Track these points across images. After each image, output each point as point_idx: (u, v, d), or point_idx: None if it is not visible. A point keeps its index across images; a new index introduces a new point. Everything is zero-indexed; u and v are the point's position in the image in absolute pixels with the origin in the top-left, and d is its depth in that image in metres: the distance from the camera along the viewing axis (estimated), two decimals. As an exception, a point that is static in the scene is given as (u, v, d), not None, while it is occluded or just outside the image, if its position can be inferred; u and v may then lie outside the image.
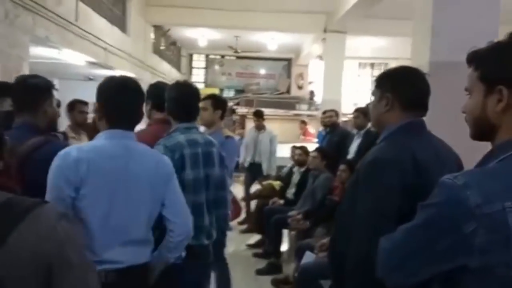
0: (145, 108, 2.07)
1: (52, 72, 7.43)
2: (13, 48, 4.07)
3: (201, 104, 2.54)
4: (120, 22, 8.22)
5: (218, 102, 3.13)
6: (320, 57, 11.28)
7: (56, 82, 6.75)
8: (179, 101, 2.07)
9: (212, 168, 2.14)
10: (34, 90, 1.81)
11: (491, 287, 0.89)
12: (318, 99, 13.04)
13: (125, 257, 1.53)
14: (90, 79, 8.24)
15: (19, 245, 0.86)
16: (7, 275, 0.84)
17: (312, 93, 15.72)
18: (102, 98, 1.60)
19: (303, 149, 5.26)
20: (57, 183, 1.44)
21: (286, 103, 14.33)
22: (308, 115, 13.40)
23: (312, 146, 5.90)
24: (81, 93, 3.32)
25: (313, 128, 10.43)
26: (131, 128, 1.62)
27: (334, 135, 5.57)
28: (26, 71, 4.39)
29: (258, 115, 6.14)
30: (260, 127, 6.04)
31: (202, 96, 2.47)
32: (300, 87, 15.95)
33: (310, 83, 15.96)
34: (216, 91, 15.05)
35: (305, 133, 10.41)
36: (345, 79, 9.61)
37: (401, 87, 1.42)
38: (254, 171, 5.97)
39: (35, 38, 4.57)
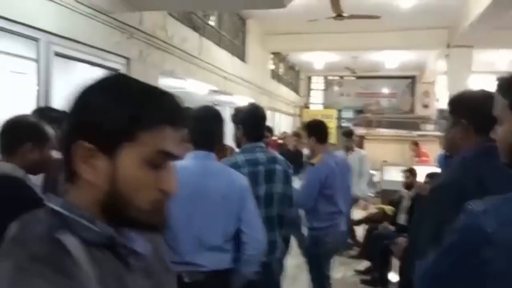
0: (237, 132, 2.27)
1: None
2: (146, 82, 4.84)
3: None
4: (239, 52, 8.95)
5: (310, 128, 3.20)
6: (446, 73, 10.51)
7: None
8: (246, 122, 2.23)
9: (275, 185, 2.22)
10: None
11: None
12: (445, 118, 12.02)
13: (205, 261, 1.77)
14: (214, 105, 9.14)
15: None
16: None
17: (441, 112, 14.56)
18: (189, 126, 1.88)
19: (411, 171, 5.01)
20: None
21: (409, 123, 13.56)
22: (435, 136, 12.44)
23: (429, 168, 5.53)
24: None
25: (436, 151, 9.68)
26: (212, 150, 1.89)
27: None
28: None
29: (347, 135, 5.91)
30: (348, 148, 5.70)
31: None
32: (425, 106, 14.93)
33: (437, 100, 14.85)
34: (334, 112, 15.07)
35: (419, 154, 9.68)
36: (477, 96, 8.72)
37: (477, 113, 1.38)
38: None
39: (164, 72, 5.37)
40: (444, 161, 5.64)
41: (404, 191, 5.04)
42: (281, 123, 12.86)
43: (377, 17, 6.80)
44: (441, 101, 14.17)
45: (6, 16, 2.99)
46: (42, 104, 3.38)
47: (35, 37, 3.31)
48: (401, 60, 12.08)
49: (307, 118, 14.57)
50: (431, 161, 9.20)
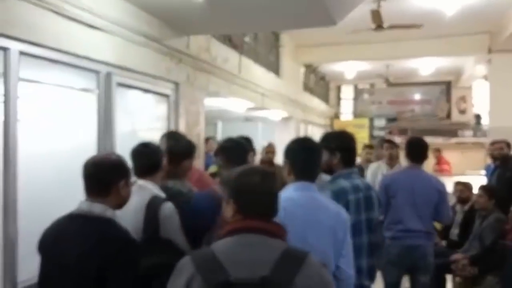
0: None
1: (216, 117, 8.58)
2: (193, 104, 4.92)
3: None
4: (274, 67, 8.97)
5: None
6: (485, 78, 10.23)
7: (219, 125, 7.67)
8: (344, 148, 2.27)
9: (372, 212, 2.26)
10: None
11: None
12: (486, 122, 11.70)
13: None
14: (247, 120, 9.20)
15: (300, 284, 1.18)
16: None
17: (478, 117, 14.15)
18: (289, 157, 1.91)
19: (466, 185, 4.85)
20: None
21: (446, 130, 13.23)
22: (474, 143, 12.09)
23: (450, 178, 5.38)
24: (239, 132, 3.81)
25: (481, 159, 9.38)
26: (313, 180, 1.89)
27: (506, 169, 5.00)
28: (202, 122, 5.23)
29: (369, 147, 5.92)
30: (368, 160, 5.62)
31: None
32: (462, 112, 14.55)
33: (473, 106, 14.44)
34: (365, 121, 14.85)
35: (439, 161, 9.39)
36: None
37: None
38: None
39: (209, 93, 5.44)
40: (491, 171, 5.49)
41: (458, 205, 4.89)
42: (314, 135, 12.79)
43: (418, 27, 6.69)
44: (480, 107, 13.78)
45: (72, 51, 3.10)
46: (103, 133, 3.47)
47: (97, 69, 3.41)
48: (437, 65, 11.84)
49: (338, 128, 14.48)
50: (451, 171, 8.93)
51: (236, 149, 2.41)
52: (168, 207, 2.05)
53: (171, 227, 2.02)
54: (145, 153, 2.20)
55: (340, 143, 2.28)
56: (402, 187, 3.33)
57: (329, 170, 2.26)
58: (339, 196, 2.11)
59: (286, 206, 1.72)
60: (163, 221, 2.01)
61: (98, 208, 1.66)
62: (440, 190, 3.35)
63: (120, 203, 1.77)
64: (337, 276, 1.81)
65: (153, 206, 2.02)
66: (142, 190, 2.09)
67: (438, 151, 9.68)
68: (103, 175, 1.72)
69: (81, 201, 1.71)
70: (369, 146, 6.38)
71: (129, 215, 1.94)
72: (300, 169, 1.86)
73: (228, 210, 1.36)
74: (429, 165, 8.83)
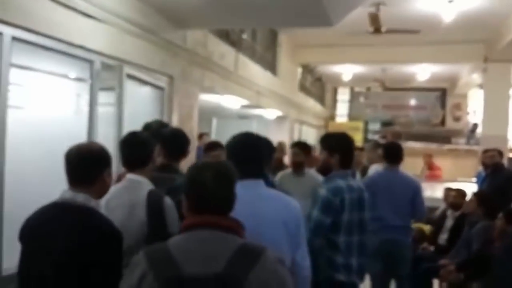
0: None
1: (211, 113, 8.56)
2: (187, 99, 4.90)
3: None
4: (271, 66, 8.95)
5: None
6: (481, 86, 10.30)
7: (214, 121, 7.65)
8: (343, 150, 2.32)
9: (364, 213, 2.32)
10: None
11: None
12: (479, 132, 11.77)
13: None
14: (242, 117, 9.20)
15: (255, 280, 1.17)
16: None
17: (475, 125, 14.24)
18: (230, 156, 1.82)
19: (459, 192, 4.86)
20: None
21: (440, 137, 13.31)
22: (466, 150, 12.17)
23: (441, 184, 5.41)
24: (235, 130, 3.80)
25: (472, 165, 9.43)
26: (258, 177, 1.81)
27: (497, 177, 5.04)
28: (196, 117, 5.21)
29: (360, 149, 6.19)
30: (358, 162, 5.91)
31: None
32: (457, 119, 14.64)
33: (468, 114, 14.53)
34: (360, 124, 14.89)
35: (430, 166, 9.42)
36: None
37: None
38: None
39: (203, 88, 5.41)
40: (482, 179, 5.53)
41: (450, 211, 4.89)
42: (308, 135, 12.80)
43: (416, 32, 6.71)
44: (475, 115, 13.86)
45: (65, 39, 3.06)
46: (94, 123, 3.44)
47: (90, 59, 3.37)
48: (433, 71, 11.90)
49: (332, 130, 14.50)
50: (442, 176, 8.98)
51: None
52: (170, 201, 2.02)
53: (174, 221, 1.98)
54: (135, 144, 2.10)
55: (340, 145, 2.33)
56: (382, 187, 3.57)
57: (325, 170, 2.29)
58: (335, 193, 2.17)
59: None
60: (169, 215, 1.98)
61: (81, 198, 1.63)
62: (416, 189, 3.65)
63: (103, 193, 1.75)
64: (293, 270, 1.77)
65: (155, 200, 1.98)
66: (135, 184, 2.03)
67: (429, 156, 9.72)
68: (88, 165, 1.67)
69: (64, 190, 1.68)
70: (360, 149, 6.39)
71: (125, 211, 1.92)
72: (242, 167, 1.72)
73: (184, 206, 1.34)
74: (418, 169, 8.93)
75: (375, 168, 5.15)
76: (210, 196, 1.28)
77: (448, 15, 6.63)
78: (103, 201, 1.87)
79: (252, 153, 1.81)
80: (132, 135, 2.17)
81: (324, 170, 2.27)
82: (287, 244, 1.75)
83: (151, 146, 2.15)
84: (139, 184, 2.04)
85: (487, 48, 8.50)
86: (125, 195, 1.97)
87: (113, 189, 1.99)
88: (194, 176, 1.32)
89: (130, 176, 2.06)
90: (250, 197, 1.74)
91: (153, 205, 1.96)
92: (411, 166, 10.22)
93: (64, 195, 1.66)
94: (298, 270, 1.79)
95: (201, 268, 1.16)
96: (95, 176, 1.68)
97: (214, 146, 3.80)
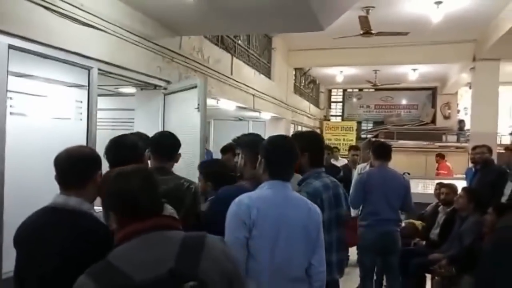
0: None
1: (209, 116, 8.62)
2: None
3: None
4: (266, 69, 9.07)
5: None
6: (470, 85, 10.47)
7: (212, 123, 7.68)
8: (312, 149, 2.32)
9: (341, 208, 2.33)
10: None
11: None
12: (468, 129, 11.96)
13: None
14: (240, 119, 9.28)
15: (208, 267, 1.18)
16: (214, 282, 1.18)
17: (461, 122, 14.43)
18: (264, 155, 1.89)
19: (451, 187, 4.95)
20: (235, 226, 1.75)
21: (431, 135, 13.47)
22: (457, 147, 12.33)
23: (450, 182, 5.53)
24: (232, 131, 3.95)
25: (458, 163, 9.60)
26: (288, 180, 1.89)
27: (487, 173, 5.14)
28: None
29: (355, 148, 6.56)
30: (354, 161, 6.20)
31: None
32: (446, 117, 14.85)
33: (458, 111, 14.73)
34: (353, 124, 15.06)
35: (439, 167, 9.57)
36: (505, 108, 8.66)
37: None
38: None
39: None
40: (472, 175, 5.64)
41: (441, 207, 4.99)
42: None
43: (405, 34, 6.84)
44: (464, 113, 14.05)
45: (63, 47, 3.13)
46: (93, 130, 3.51)
47: (88, 65, 3.44)
48: (423, 71, 12.07)
49: (327, 130, 14.61)
50: (451, 174, 9.14)
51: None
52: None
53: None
54: (123, 144, 2.14)
55: (308, 143, 2.30)
56: (377, 183, 3.88)
57: (297, 170, 2.29)
58: (314, 195, 2.16)
59: (259, 205, 1.76)
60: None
61: (74, 201, 1.62)
62: (407, 186, 4.03)
63: (95, 195, 1.73)
64: (309, 273, 1.85)
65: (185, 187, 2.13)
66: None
67: (440, 156, 9.87)
68: (80, 169, 1.66)
69: (56, 194, 1.66)
70: (355, 148, 6.52)
71: None
72: (275, 168, 1.84)
73: (112, 222, 1.30)
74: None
75: (361, 167, 5.33)
76: (142, 201, 1.25)
77: (436, 16, 6.76)
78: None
79: (287, 156, 1.88)
80: (119, 137, 2.20)
81: (297, 170, 2.30)
82: (303, 248, 1.81)
83: (141, 148, 2.20)
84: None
85: (475, 47, 8.66)
86: None
87: None
88: (120, 186, 1.28)
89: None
90: (277, 198, 1.81)
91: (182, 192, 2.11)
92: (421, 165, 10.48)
93: (56, 199, 1.65)
94: (314, 274, 1.85)
95: (152, 271, 1.13)
96: (87, 179, 1.67)
97: (223, 150, 3.92)
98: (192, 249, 1.20)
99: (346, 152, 7.81)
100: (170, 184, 2.29)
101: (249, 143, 2.18)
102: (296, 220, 1.81)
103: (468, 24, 7.61)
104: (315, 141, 2.38)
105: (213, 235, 1.29)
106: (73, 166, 1.66)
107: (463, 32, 8.18)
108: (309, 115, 13.36)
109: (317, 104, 15.08)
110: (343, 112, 16.99)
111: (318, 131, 14.80)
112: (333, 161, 6.41)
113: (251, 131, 8.94)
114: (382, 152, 4.07)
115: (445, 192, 4.86)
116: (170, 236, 1.23)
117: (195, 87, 3.90)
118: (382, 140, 8.63)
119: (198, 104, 3.78)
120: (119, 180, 1.29)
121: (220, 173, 2.71)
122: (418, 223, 5.32)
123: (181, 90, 4.25)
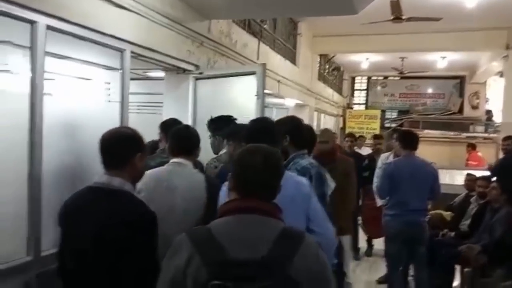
0: None
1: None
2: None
3: None
4: (291, 55, 8.99)
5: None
6: (501, 74, 10.15)
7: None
8: (294, 133, 2.39)
9: (324, 187, 2.37)
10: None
11: None
12: (497, 119, 11.64)
13: None
14: (264, 106, 9.25)
15: (299, 262, 1.18)
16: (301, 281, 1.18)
17: (489, 113, 14.06)
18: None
19: (488, 180, 4.83)
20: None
21: (457, 125, 13.18)
22: (485, 138, 12.04)
23: (479, 173, 5.42)
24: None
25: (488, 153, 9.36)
26: None
27: (519, 164, 5.03)
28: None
29: (379, 137, 6.52)
30: (378, 150, 6.07)
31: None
32: (475, 107, 14.47)
33: (487, 101, 14.33)
34: (377, 112, 14.83)
35: (470, 157, 9.37)
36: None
37: None
38: None
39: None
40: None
41: (474, 197, 4.89)
42: (326, 124, 12.80)
43: (437, 19, 6.64)
44: (493, 103, 13.65)
45: (98, 29, 3.16)
46: (125, 112, 3.55)
47: (121, 48, 3.47)
48: (451, 59, 11.75)
49: (350, 118, 14.46)
50: (482, 165, 8.92)
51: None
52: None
53: None
54: (187, 134, 2.34)
55: (287, 126, 2.40)
56: (405, 173, 3.86)
57: (283, 152, 2.35)
58: (303, 173, 2.23)
59: None
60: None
61: (117, 182, 1.68)
62: (433, 173, 4.01)
63: (136, 176, 1.78)
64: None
65: (214, 184, 2.15)
66: (183, 167, 2.22)
67: (471, 146, 9.72)
68: (118, 149, 1.72)
69: (100, 174, 1.72)
70: (378, 137, 6.43)
71: (185, 193, 2.10)
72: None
73: (230, 184, 1.34)
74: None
75: (385, 156, 5.22)
76: (256, 181, 1.28)
77: (470, 1, 6.54)
78: (149, 183, 1.97)
79: (262, 136, 1.93)
80: (185, 126, 2.45)
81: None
82: (293, 220, 1.76)
83: (198, 137, 2.38)
84: (186, 167, 2.19)
85: (508, 34, 8.36)
86: (178, 178, 2.10)
87: (157, 172, 2.11)
88: (243, 160, 1.32)
89: (177, 159, 2.22)
90: None
91: (213, 188, 2.08)
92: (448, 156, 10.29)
93: (100, 179, 1.71)
94: (319, 239, 1.87)
95: (247, 251, 1.15)
96: (126, 160, 1.71)
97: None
98: (290, 241, 1.21)
99: (370, 141, 7.73)
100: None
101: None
102: (283, 193, 1.83)
103: (502, 11, 7.33)
104: (294, 123, 2.47)
105: (310, 235, 1.34)
106: (112, 146, 1.72)
107: (497, 19, 7.89)
108: (332, 103, 13.22)
109: (340, 92, 14.91)
110: (366, 100, 16.74)
111: (341, 119, 14.65)
112: (356, 149, 6.33)
113: (275, 117, 8.91)
114: (410, 141, 4.02)
115: (483, 185, 4.76)
116: (270, 223, 1.25)
117: (253, 73, 3.93)
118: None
119: (257, 92, 3.86)
120: (251, 156, 1.32)
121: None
122: (446, 213, 5.24)
123: (235, 75, 4.28)
